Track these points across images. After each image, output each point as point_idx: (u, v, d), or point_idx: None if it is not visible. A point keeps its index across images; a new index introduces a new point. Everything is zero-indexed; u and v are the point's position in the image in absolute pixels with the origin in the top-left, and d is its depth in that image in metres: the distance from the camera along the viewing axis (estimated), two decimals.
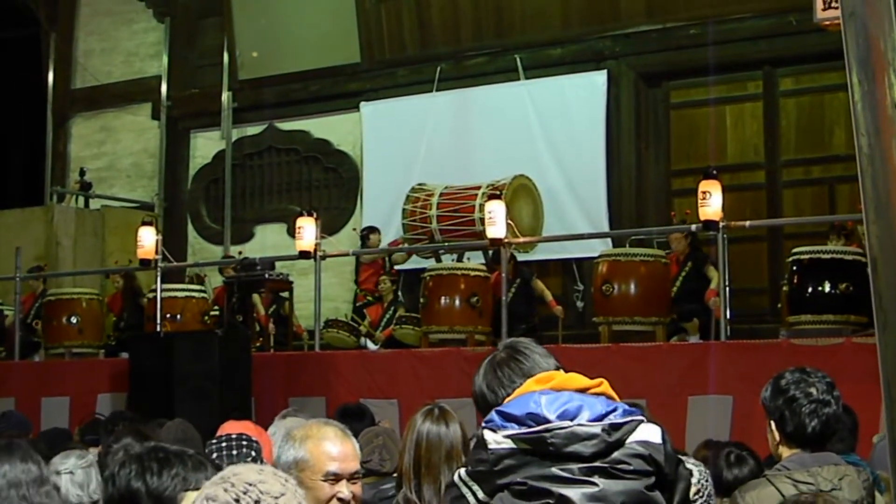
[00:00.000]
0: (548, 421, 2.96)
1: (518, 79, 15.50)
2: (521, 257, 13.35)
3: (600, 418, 2.99)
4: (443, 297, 12.20)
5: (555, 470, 2.93)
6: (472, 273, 12.38)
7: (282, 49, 17.26)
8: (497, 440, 2.98)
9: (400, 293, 14.58)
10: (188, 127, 18.50)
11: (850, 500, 3.75)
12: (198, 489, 3.07)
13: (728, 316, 10.40)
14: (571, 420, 2.97)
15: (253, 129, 17.90)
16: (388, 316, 13.97)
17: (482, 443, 3.00)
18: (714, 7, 14.33)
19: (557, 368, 3.28)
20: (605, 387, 3.12)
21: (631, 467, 2.97)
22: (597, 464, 2.95)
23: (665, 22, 14.76)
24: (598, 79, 15.04)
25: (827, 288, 10.35)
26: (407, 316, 13.54)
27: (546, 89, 15.28)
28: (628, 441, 3.00)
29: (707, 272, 11.80)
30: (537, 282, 13.07)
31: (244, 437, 5.10)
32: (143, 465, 3.14)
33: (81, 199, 18.26)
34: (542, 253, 14.65)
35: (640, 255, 11.74)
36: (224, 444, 5.00)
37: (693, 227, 11.13)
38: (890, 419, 1.99)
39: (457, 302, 12.14)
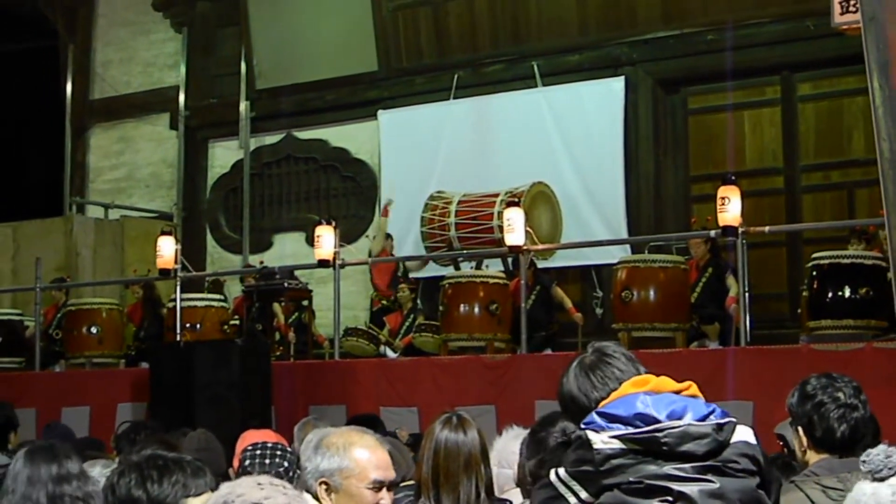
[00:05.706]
0: (658, 421, 2.97)
1: (535, 86, 15.48)
2: (540, 264, 13.34)
3: (704, 418, 3.01)
4: (462, 305, 12.18)
5: (668, 469, 2.94)
6: (491, 280, 12.36)
7: (299, 58, 17.27)
8: (604, 440, 2.97)
9: (419, 301, 14.58)
10: (206, 136, 18.53)
11: None
12: (198, 495, 3.07)
13: (748, 321, 10.36)
14: (679, 420, 2.98)
15: (271, 139, 17.91)
16: (407, 324, 13.95)
17: (586, 443, 2.99)
18: (731, 12, 14.29)
19: (641, 373, 3.29)
20: (695, 389, 3.13)
21: (740, 466, 3.00)
22: (710, 462, 2.97)
23: (682, 28, 14.74)
24: (616, 85, 15.01)
25: (847, 293, 10.30)
26: (426, 324, 13.51)
27: (564, 96, 15.25)
28: (732, 441, 3.02)
29: (727, 281, 11.76)
30: (557, 289, 13.07)
31: (279, 446, 5.10)
32: (143, 473, 3.12)
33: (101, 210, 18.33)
34: (561, 260, 14.63)
35: (659, 261, 11.71)
36: (259, 452, 4.99)
37: (712, 232, 11.11)
38: None
39: (476, 309, 12.12)
